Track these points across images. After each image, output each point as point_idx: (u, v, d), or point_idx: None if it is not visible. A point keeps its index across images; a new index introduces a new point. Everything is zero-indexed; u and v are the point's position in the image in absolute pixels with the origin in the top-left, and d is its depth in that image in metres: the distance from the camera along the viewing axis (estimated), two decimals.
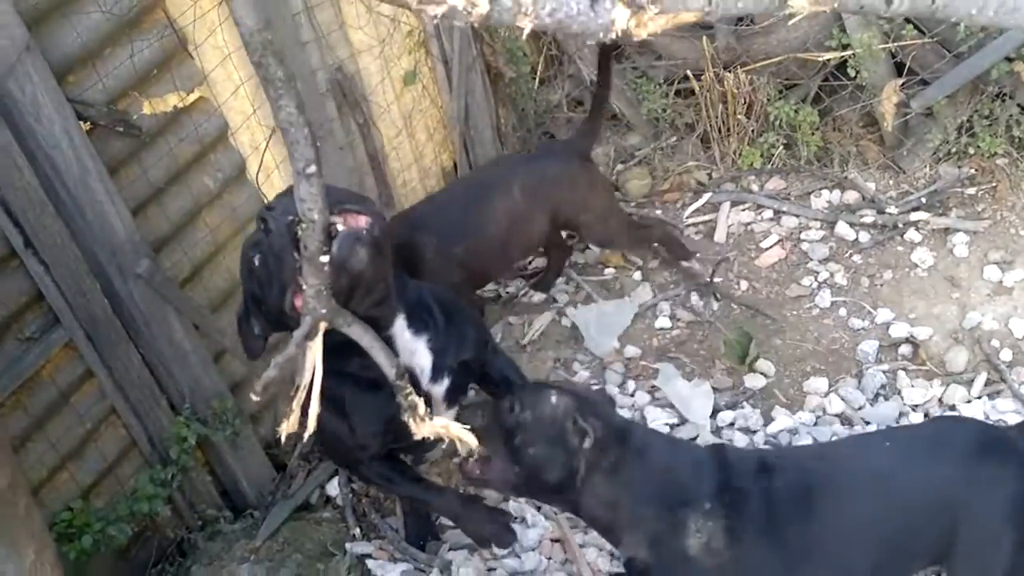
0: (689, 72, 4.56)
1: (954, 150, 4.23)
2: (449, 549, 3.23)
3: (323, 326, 2.10)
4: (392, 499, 3.39)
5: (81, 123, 2.79)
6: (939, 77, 4.11)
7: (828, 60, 4.30)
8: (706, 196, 4.52)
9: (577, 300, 4.15)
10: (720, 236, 4.33)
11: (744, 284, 4.08)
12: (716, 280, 4.05)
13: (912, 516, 2.38)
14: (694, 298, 4.06)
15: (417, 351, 2.63)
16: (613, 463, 2.38)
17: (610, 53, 3.96)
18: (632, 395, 3.66)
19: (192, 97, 3.18)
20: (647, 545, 2.36)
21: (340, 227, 2.18)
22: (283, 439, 2.20)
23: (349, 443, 2.74)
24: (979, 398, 3.43)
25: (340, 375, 2.29)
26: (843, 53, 4.22)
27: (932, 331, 3.68)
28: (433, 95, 4.41)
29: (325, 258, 2.05)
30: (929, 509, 2.37)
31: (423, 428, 2.20)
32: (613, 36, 1.38)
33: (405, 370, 2.27)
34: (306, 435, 2.17)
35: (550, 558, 3.16)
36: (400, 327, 2.56)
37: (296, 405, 2.14)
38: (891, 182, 4.36)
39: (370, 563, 3.24)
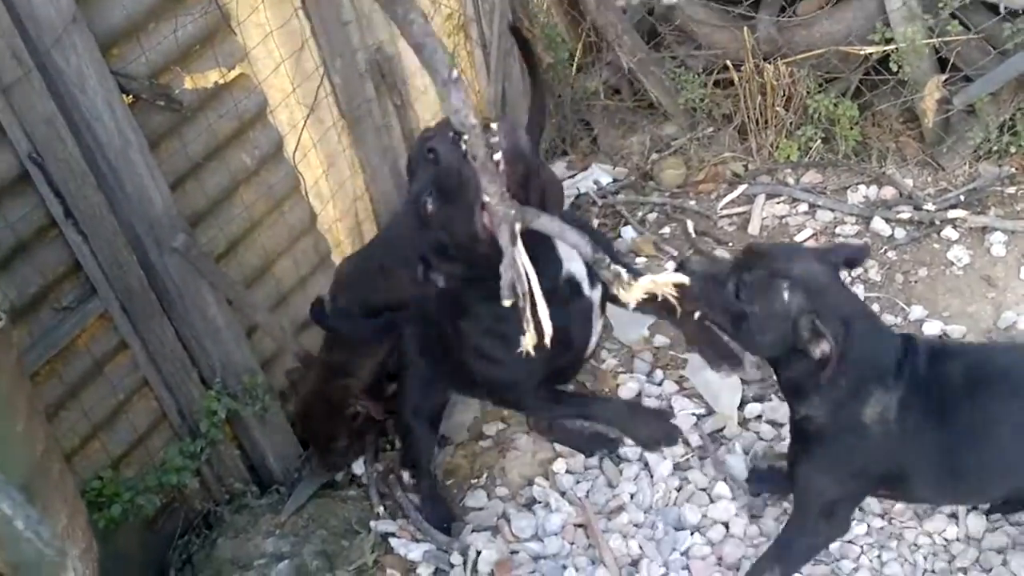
0: (728, 62, 4.52)
1: (995, 148, 4.18)
2: (472, 531, 3.25)
3: (518, 227, 2.06)
4: (417, 479, 3.40)
5: (124, 96, 2.82)
6: (983, 74, 4.06)
7: (870, 54, 4.26)
8: (741, 188, 4.49)
9: None
10: (754, 228, 4.30)
11: None
12: None
13: None
14: None
15: (573, 257, 2.56)
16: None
17: (524, 39, 3.86)
18: (660, 384, 3.65)
19: (233, 74, 3.20)
20: (830, 408, 2.49)
21: (492, 123, 2.14)
22: (531, 351, 2.12)
23: (520, 372, 2.67)
24: None
25: (498, 310, 2.19)
26: (886, 47, 4.17)
27: (966, 330, 3.64)
28: (470, 79, 4.41)
29: (498, 155, 2.05)
30: None
31: (632, 292, 2.15)
32: None
33: (567, 276, 2.32)
34: (546, 339, 2.10)
35: (573, 543, 3.17)
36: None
37: (529, 314, 2.10)
38: (929, 179, 4.31)
39: (393, 541, 3.28)
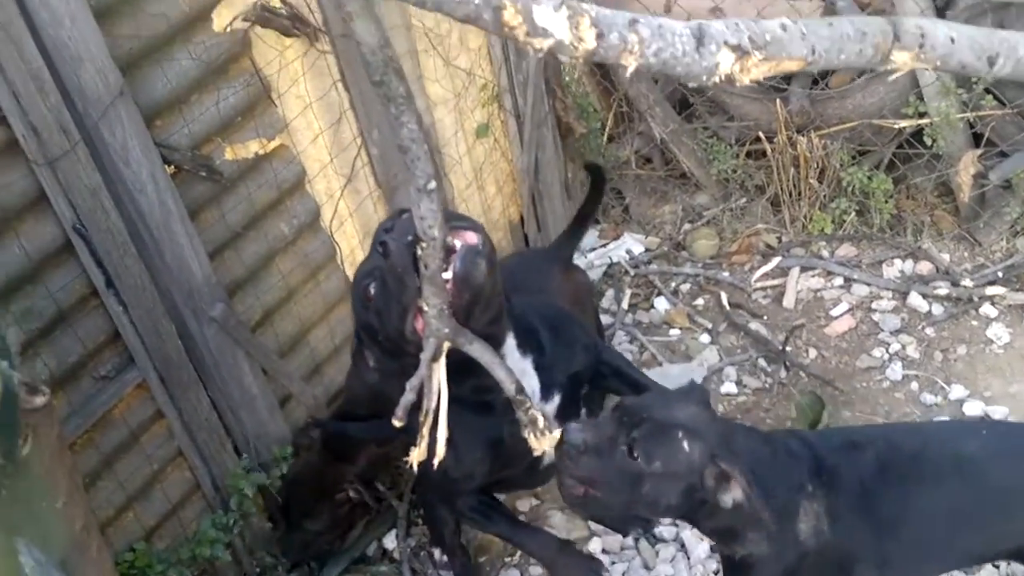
0: (761, 134, 4.53)
1: None
2: None
3: (446, 347, 2.06)
4: (449, 556, 3.34)
5: (166, 167, 2.84)
6: (1019, 149, 4.04)
7: (904, 128, 4.26)
8: (775, 260, 4.47)
9: (642, 361, 4.10)
10: (789, 302, 4.27)
11: (813, 352, 4.01)
12: (787, 348, 3.98)
13: (1000, 505, 2.39)
14: (762, 364, 4.00)
15: (526, 371, 2.56)
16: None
17: (604, 179, 3.86)
18: None
19: (273, 144, 3.22)
20: (768, 539, 2.33)
21: (456, 243, 2.15)
22: (415, 467, 2.13)
23: (454, 472, 2.62)
24: None
25: (450, 400, 2.19)
26: (920, 121, 4.17)
27: (1008, 411, 3.57)
28: (504, 148, 4.44)
29: (447, 275, 2.04)
30: (1014, 498, 2.39)
31: (544, 442, 2.16)
32: (717, 79, 1.37)
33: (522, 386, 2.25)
34: (435, 461, 2.09)
35: None
36: (511, 346, 2.49)
37: (426, 431, 2.09)
38: (966, 254, 4.28)
39: None
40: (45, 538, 1.99)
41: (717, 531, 2.41)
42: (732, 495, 2.21)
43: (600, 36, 1.24)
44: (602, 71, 5.01)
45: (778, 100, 4.46)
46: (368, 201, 3.65)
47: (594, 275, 4.63)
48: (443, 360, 2.07)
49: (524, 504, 3.54)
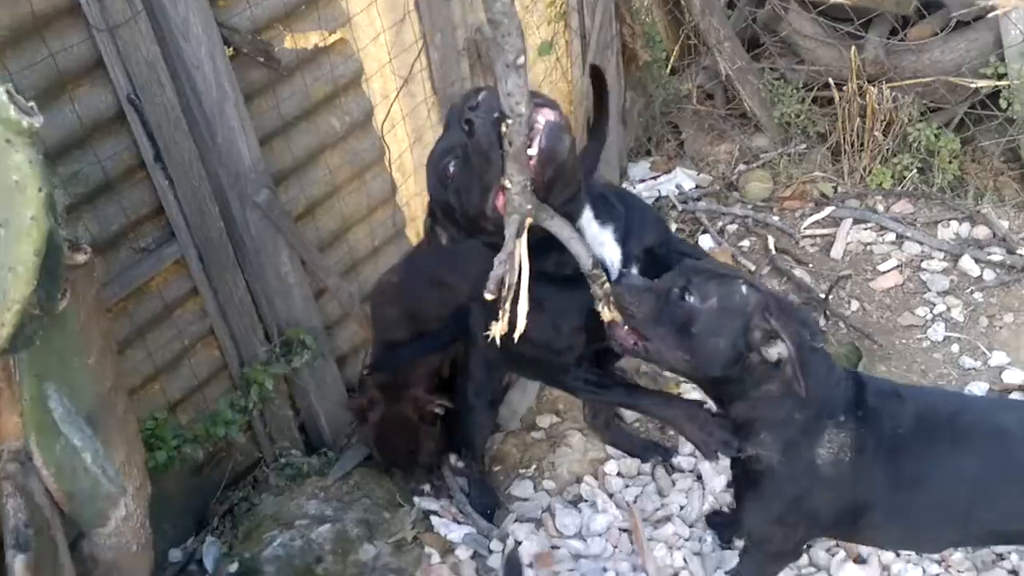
0: (831, 80, 4.41)
1: None
2: (515, 520, 3.23)
3: (528, 222, 2.07)
4: (467, 461, 3.39)
5: (226, 48, 2.84)
6: None
7: (980, 88, 4.12)
8: (828, 209, 4.39)
9: None
10: (837, 252, 4.20)
11: (855, 305, 3.96)
12: (829, 297, 3.93)
13: (1018, 479, 2.35)
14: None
15: (606, 242, 2.50)
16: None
17: (604, 86, 3.76)
18: None
19: (333, 38, 3.20)
20: (779, 447, 2.34)
21: (539, 120, 2.09)
22: (497, 338, 2.16)
23: (555, 346, 2.61)
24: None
25: (537, 276, 2.20)
26: (998, 83, 4.03)
27: None
28: (565, 68, 4.37)
29: (532, 151, 2.03)
30: None
31: (614, 313, 2.23)
32: None
33: (599, 260, 2.29)
34: (516, 334, 2.13)
35: (616, 547, 3.12)
36: (588, 219, 2.43)
37: (508, 305, 2.12)
38: None
39: (435, 520, 3.26)
40: (74, 390, 2.05)
41: (740, 414, 2.37)
42: (777, 350, 2.19)
43: None
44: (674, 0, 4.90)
45: (853, 47, 4.33)
46: (423, 106, 3.63)
47: None
48: (525, 236, 2.09)
49: (545, 420, 3.57)
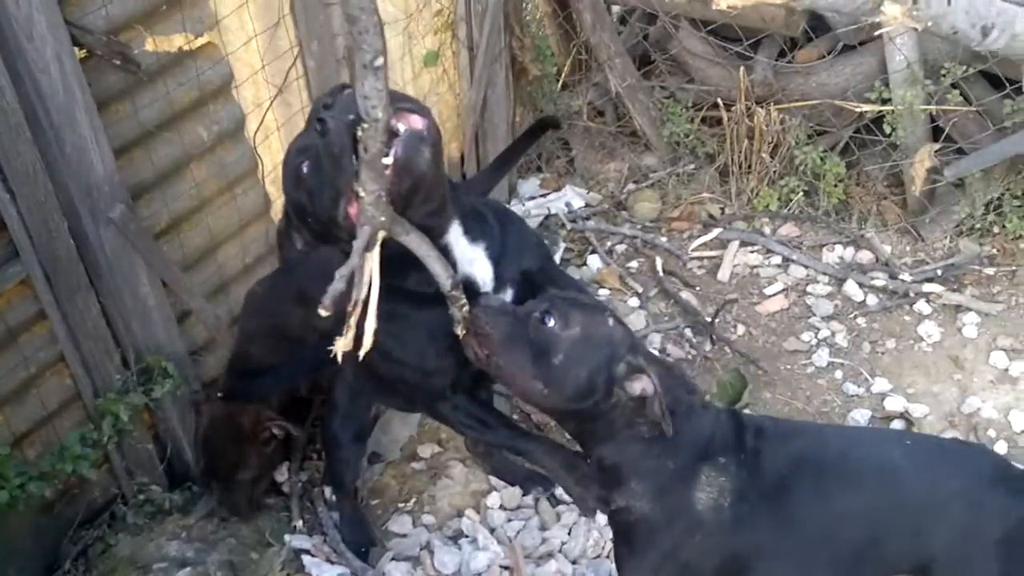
0: (719, 100, 4.38)
1: (978, 226, 4.08)
2: (392, 559, 3.05)
3: (381, 235, 1.93)
4: (339, 496, 3.19)
5: (76, 49, 2.60)
6: (977, 148, 3.95)
7: (865, 112, 4.13)
8: (716, 231, 4.35)
9: None
10: (724, 275, 4.16)
11: (741, 329, 3.92)
12: (715, 321, 3.88)
13: (909, 515, 2.28)
14: (688, 334, 3.89)
15: (476, 260, 2.37)
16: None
17: (542, 133, 3.67)
18: None
19: (200, 41, 2.99)
20: (652, 495, 2.19)
21: (400, 127, 1.97)
22: (339, 357, 2.00)
23: (424, 368, 2.44)
24: None
25: (399, 292, 2.10)
26: (882, 108, 4.05)
27: (928, 410, 3.51)
28: (452, 80, 4.23)
29: (388, 160, 1.91)
30: (927, 514, 2.28)
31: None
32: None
33: (461, 280, 2.16)
34: (361, 353, 1.97)
35: None
36: (455, 234, 2.30)
37: (353, 321, 1.96)
38: (908, 248, 4.20)
39: (306, 560, 3.07)
40: None
41: (603, 459, 2.22)
42: (641, 384, 2.08)
43: None
44: (564, 14, 4.81)
45: (742, 68, 4.31)
46: (299, 116, 3.43)
47: (530, 224, 4.47)
48: (377, 250, 1.94)
49: (426, 450, 3.41)
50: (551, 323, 2.10)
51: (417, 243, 2.04)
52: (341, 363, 2.79)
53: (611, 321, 2.14)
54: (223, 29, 3.06)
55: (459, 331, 2.15)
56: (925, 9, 1.30)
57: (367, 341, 1.97)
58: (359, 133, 1.80)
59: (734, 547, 2.23)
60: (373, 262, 1.95)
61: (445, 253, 2.20)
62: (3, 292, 2.67)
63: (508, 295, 2.45)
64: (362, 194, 1.89)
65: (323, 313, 1.93)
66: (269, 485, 3.30)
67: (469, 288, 2.29)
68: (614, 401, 2.12)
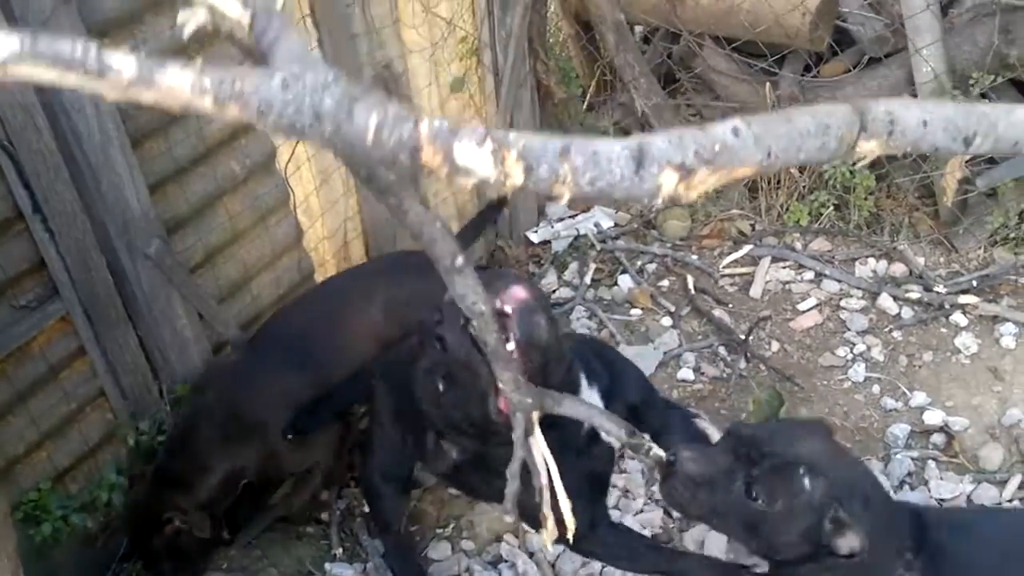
0: None
1: (1012, 236, 4.04)
2: None
3: (536, 416, 1.86)
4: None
5: None
6: (1009, 158, 3.92)
7: None
8: (747, 248, 4.34)
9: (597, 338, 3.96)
10: (756, 292, 4.14)
11: (775, 346, 3.89)
12: (749, 338, 3.86)
13: None
14: (722, 352, 3.87)
15: (595, 404, 2.35)
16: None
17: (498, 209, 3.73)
18: None
19: None
20: None
21: (507, 308, 2.00)
22: (549, 547, 2.01)
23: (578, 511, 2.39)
24: (1011, 501, 3.22)
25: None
26: None
27: (968, 423, 3.47)
28: (479, 105, 4.26)
29: (511, 345, 1.94)
30: None
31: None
32: (659, 202, 1.21)
33: (632, 428, 2.06)
34: (569, 535, 1.88)
35: None
36: (584, 387, 2.34)
37: (547, 510, 1.87)
38: (942, 259, 4.16)
39: None
40: None
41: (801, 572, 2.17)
42: (849, 544, 2.04)
43: (529, 170, 1.09)
44: (588, 35, 4.83)
45: (767, 84, 4.30)
46: None
47: (559, 246, 4.48)
48: (538, 432, 1.86)
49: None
50: (756, 498, 2.06)
51: (573, 407, 1.99)
52: (384, 418, 2.83)
53: (807, 483, 2.06)
54: None
55: (656, 475, 2.13)
56: (901, 138, 1.29)
57: (570, 522, 1.89)
58: (472, 332, 1.85)
59: None
60: (540, 444, 1.88)
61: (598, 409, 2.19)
62: (44, 329, 2.71)
63: (686, 453, 2.36)
64: (502, 385, 1.85)
65: (508, 519, 1.91)
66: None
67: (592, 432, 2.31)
68: (827, 562, 2.08)
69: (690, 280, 4.21)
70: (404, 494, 3.08)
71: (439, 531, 3.26)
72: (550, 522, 1.88)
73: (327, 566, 3.12)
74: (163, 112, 2.74)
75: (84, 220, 2.68)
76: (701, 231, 4.49)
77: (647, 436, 2.02)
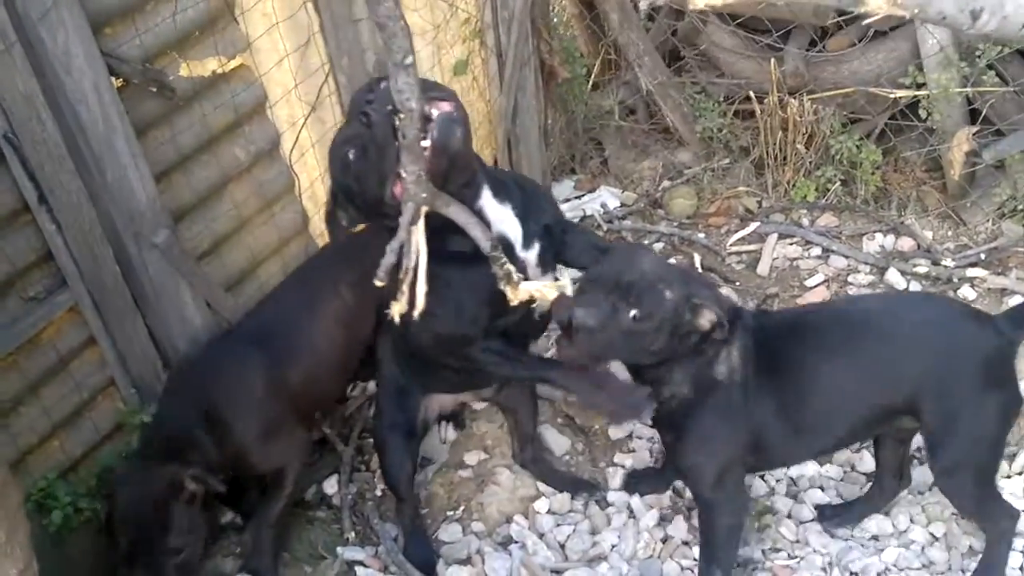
0: (751, 93, 4.35)
1: (1020, 208, 4.01)
2: (448, 566, 3.07)
3: (424, 209, 2.19)
4: (399, 506, 3.19)
5: (113, 79, 2.66)
6: (1016, 129, 3.90)
7: (899, 98, 4.09)
8: (753, 225, 4.33)
9: None
10: (763, 268, 4.14)
11: None
12: None
13: (897, 351, 2.63)
14: None
15: (505, 219, 2.64)
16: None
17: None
18: None
19: (232, 64, 3.04)
20: (690, 376, 2.61)
21: (433, 112, 2.22)
22: (396, 319, 2.28)
23: (458, 322, 2.67)
24: (1020, 474, 3.22)
25: (438, 256, 2.30)
26: (917, 92, 4.01)
27: None
28: (482, 88, 4.25)
29: (425, 143, 2.17)
30: (913, 347, 2.64)
31: (518, 294, 2.35)
32: None
33: (499, 240, 2.43)
34: (415, 313, 2.25)
35: None
36: (487, 198, 2.57)
37: (406, 287, 2.25)
38: (949, 233, 4.15)
39: (360, 572, 3.08)
40: None
41: (653, 368, 2.62)
42: (708, 318, 2.51)
43: None
44: (592, 14, 4.81)
45: (772, 59, 4.28)
46: (332, 132, 3.45)
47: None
48: (422, 223, 2.21)
49: (472, 458, 3.42)
50: (641, 321, 2.45)
51: (457, 212, 2.30)
52: (385, 362, 3.07)
53: (668, 294, 2.47)
54: (255, 51, 3.10)
55: (502, 286, 2.35)
56: None
57: (420, 303, 2.24)
58: (397, 122, 2.04)
59: (751, 416, 2.64)
60: (419, 234, 2.21)
61: (479, 216, 2.44)
62: (53, 320, 2.72)
63: (535, 248, 2.71)
64: (404, 175, 2.14)
65: (378, 283, 2.22)
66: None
67: (505, 245, 2.54)
68: (690, 342, 2.55)
69: (697, 258, 4.21)
70: (411, 445, 3.08)
71: (449, 513, 3.27)
72: (404, 297, 2.26)
73: (339, 550, 3.13)
74: (165, 101, 2.77)
75: (90, 210, 2.68)
76: (707, 209, 4.48)
77: (512, 266, 2.35)
